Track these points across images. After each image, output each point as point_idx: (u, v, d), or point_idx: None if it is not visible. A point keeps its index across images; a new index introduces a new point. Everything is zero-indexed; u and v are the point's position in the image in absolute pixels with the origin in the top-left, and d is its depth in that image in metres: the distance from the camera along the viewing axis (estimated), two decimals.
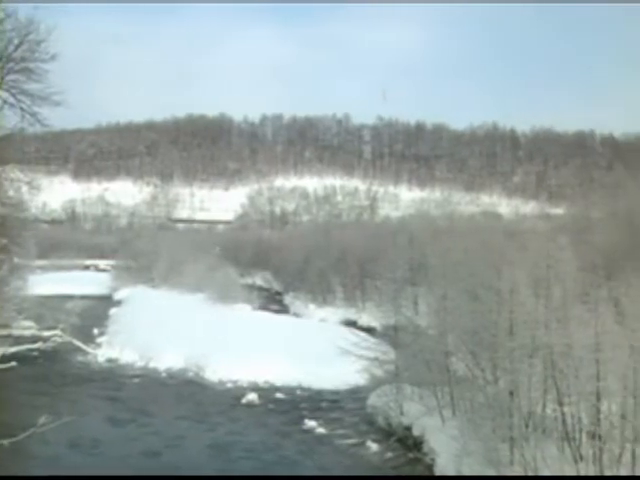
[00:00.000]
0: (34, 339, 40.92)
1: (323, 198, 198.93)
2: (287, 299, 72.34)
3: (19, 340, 39.17)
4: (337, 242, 68.16)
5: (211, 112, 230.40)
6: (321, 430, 26.41)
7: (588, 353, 16.14)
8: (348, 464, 22.99)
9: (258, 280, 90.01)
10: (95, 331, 47.51)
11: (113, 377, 36.24)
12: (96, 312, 57.24)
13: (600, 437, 16.11)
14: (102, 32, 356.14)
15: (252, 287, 77.94)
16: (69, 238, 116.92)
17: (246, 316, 54.30)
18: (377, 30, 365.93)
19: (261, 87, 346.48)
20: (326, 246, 68.35)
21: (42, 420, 10.97)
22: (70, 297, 61.13)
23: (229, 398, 31.64)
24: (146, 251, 78.58)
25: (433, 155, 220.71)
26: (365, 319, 53.67)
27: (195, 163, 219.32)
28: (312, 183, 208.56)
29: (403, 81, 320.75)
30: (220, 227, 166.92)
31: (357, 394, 31.01)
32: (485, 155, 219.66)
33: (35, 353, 39.71)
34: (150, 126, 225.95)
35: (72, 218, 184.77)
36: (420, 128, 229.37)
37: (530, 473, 16.92)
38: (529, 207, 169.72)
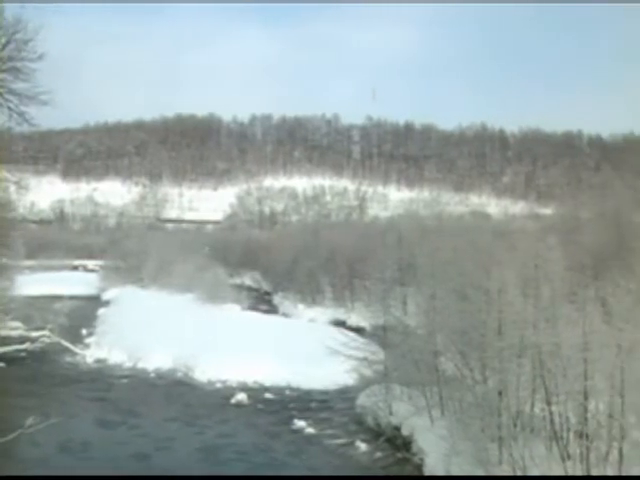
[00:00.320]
0: (22, 340, 40.74)
1: (312, 198, 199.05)
2: (276, 299, 72.29)
3: (7, 341, 39.00)
4: (326, 242, 68.16)
5: (200, 112, 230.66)
6: (310, 430, 26.41)
7: (576, 352, 16.22)
8: (337, 464, 23.00)
9: (247, 280, 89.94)
10: (83, 331, 47.32)
11: (102, 378, 36.08)
12: (84, 312, 57.00)
13: (587, 436, 16.19)
14: (91, 31, 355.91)
15: (241, 287, 77.89)
16: (57, 238, 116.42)
17: (235, 316, 54.24)
18: (366, 30, 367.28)
19: (250, 87, 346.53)
20: (315, 246, 68.36)
21: (30, 421, 10.93)
22: (58, 297, 61.02)
23: (218, 398, 31.58)
24: (135, 251, 78.32)
25: (422, 155, 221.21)
26: (354, 319, 53.68)
27: (184, 163, 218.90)
28: (301, 183, 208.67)
29: (392, 81, 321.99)
30: (209, 227, 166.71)
31: (346, 394, 31.01)
32: (474, 155, 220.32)
33: (23, 354, 39.56)
34: (139, 126, 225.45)
35: (60, 218, 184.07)
36: (409, 128, 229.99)
37: (519, 472, 16.98)
38: (518, 207, 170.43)
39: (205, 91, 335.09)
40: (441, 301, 24.15)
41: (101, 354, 40.54)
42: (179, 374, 36.29)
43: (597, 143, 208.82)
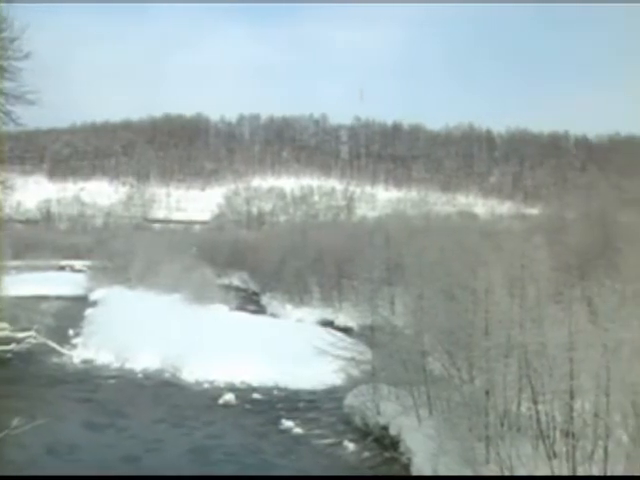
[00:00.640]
0: (8, 340, 40.43)
1: (300, 198, 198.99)
2: (264, 299, 72.22)
3: None
4: (314, 242, 68.18)
5: (188, 112, 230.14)
6: (298, 430, 26.43)
7: (562, 352, 16.31)
8: (325, 464, 23.02)
9: (235, 280, 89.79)
10: (70, 332, 47.08)
11: (89, 378, 35.92)
12: (71, 313, 56.72)
13: (573, 435, 16.29)
14: (78, 31, 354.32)
15: (229, 287, 77.72)
16: (44, 238, 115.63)
17: (223, 316, 54.15)
18: (354, 30, 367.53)
19: (238, 87, 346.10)
20: (303, 246, 68.35)
21: (16, 422, 10.86)
22: (45, 298, 60.62)
23: (206, 399, 31.52)
24: (122, 251, 78.01)
25: (410, 155, 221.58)
26: (342, 319, 53.75)
27: (172, 163, 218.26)
28: (289, 183, 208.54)
29: (380, 81, 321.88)
30: (197, 227, 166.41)
31: (334, 394, 31.04)
32: (461, 155, 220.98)
33: (9, 355, 39.31)
34: (126, 126, 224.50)
35: (47, 218, 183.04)
36: (397, 128, 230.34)
37: (506, 471, 17.07)
38: (505, 207, 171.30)
39: (193, 91, 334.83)
40: (428, 301, 24.23)
41: (88, 355, 40.36)
42: (167, 374, 36.20)
43: (583, 144, 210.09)
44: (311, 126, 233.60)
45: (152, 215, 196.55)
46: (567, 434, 16.64)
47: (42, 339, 41.58)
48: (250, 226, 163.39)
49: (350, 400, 27.82)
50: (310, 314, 58.95)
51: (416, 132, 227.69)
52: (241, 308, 62.91)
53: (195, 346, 38.27)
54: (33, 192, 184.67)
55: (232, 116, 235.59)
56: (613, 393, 15.54)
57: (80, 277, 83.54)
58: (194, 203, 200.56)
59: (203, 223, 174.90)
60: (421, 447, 21.03)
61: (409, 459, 21.53)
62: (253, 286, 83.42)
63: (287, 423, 27.17)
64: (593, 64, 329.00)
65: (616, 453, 15.68)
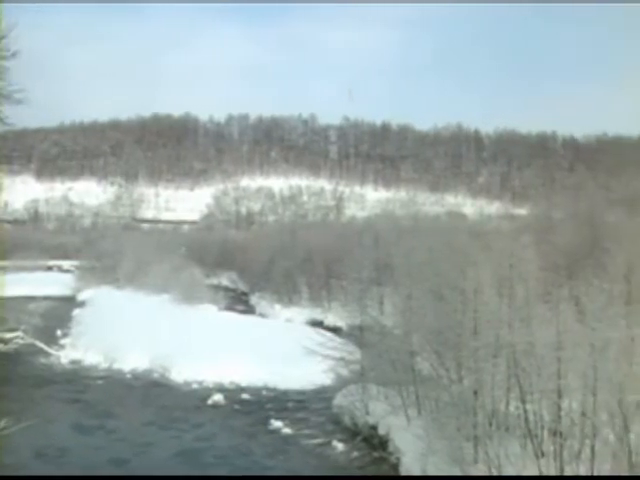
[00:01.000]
0: None
1: (289, 198, 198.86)
2: (253, 299, 72.18)
3: None
4: (303, 242, 68.18)
5: (177, 112, 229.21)
6: (287, 430, 26.42)
7: (550, 351, 16.39)
8: (314, 464, 23.03)
9: (224, 280, 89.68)
10: (58, 332, 46.89)
11: (77, 379, 35.78)
12: (59, 313, 56.49)
13: (561, 434, 16.39)
14: (67, 30, 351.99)
15: (218, 287, 77.66)
16: (32, 238, 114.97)
17: (212, 317, 54.08)
18: (343, 31, 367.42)
19: (227, 87, 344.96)
20: (292, 246, 68.34)
21: (2, 424, 10.78)
22: (33, 298, 60.34)
23: (195, 399, 31.45)
24: (110, 251, 77.80)
25: (398, 155, 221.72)
26: (331, 319, 53.78)
27: (160, 163, 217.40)
28: (278, 183, 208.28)
29: (369, 82, 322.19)
30: (185, 227, 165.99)
31: (323, 394, 31.04)
32: (450, 156, 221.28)
33: None
34: (115, 125, 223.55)
35: (35, 218, 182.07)
36: (386, 129, 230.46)
37: (494, 470, 17.14)
38: (493, 207, 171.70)
39: (182, 91, 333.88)
40: (417, 301, 24.29)
41: (76, 355, 40.20)
42: (155, 375, 36.09)
43: (571, 144, 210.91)
44: (300, 126, 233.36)
45: (141, 215, 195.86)
46: (555, 433, 16.74)
47: (30, 339, 41.42)
48: (239, 226, 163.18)
49: (339, 400, 27.83)
50: (299, 314, 58.97)
51: (405, 132, 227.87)
52: (230, 308, 62.86)
53: (184, 346, 38.19)
54: (21, 192, 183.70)
55: (221, 116, 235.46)
56: (600, 392, 15.63)
57: (68, 277, 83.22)
58: (183, 203, 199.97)
59: (192, 223, 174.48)
60: (410, 447, 21.06)
61: (398, 459, 21.55)
62: (242, 286, 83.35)
63: (276, 423, 27.15)
64: (581, 65, 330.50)
65: (603, 452, 15.77)
